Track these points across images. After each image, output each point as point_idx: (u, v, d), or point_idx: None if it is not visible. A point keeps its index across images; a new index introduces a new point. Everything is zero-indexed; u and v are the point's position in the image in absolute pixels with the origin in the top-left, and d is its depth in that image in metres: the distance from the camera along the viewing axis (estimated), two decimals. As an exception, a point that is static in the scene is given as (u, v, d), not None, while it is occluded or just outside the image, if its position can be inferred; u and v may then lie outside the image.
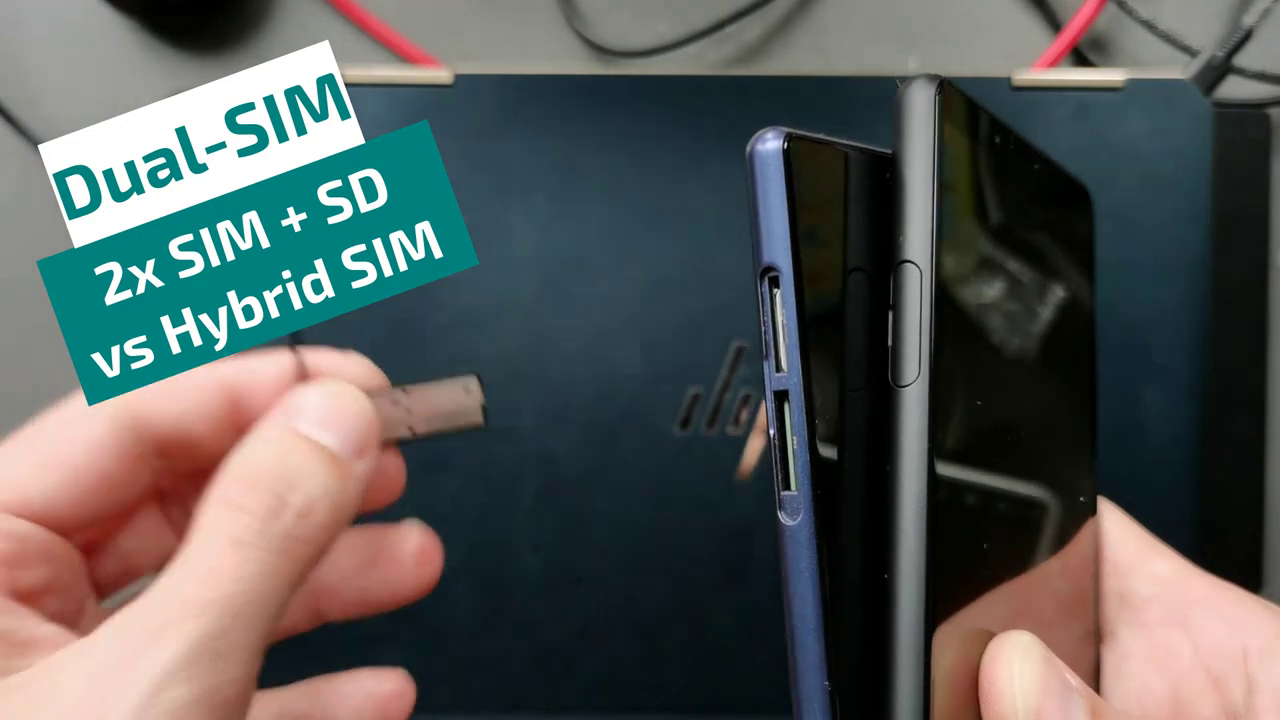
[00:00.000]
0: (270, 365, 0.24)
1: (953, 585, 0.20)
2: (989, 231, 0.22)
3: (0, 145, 0.42)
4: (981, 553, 0.21)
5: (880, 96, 0.39)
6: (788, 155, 0.20)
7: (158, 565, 0.25)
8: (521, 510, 0.37)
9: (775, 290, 0.20)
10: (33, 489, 0.22)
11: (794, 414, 0.20)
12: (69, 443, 0.22)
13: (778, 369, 0.20)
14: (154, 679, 0.18)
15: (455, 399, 0.25)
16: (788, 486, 0.20)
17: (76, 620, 0.23)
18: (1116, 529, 0.25)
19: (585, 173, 0.38)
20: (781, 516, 0.20)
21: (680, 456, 0.37)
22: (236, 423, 0.23)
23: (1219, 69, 0.40)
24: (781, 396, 0.20)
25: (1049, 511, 0.24)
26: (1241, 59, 0.40)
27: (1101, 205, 0.39)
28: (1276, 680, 0.22)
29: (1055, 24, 0.43)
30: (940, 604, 0.20)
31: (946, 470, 0.20)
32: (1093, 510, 0.25)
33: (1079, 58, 0.43)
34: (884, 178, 0.21)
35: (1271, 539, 0.40)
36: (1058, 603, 0.24)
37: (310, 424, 0.22)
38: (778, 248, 0.20)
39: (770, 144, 0.20)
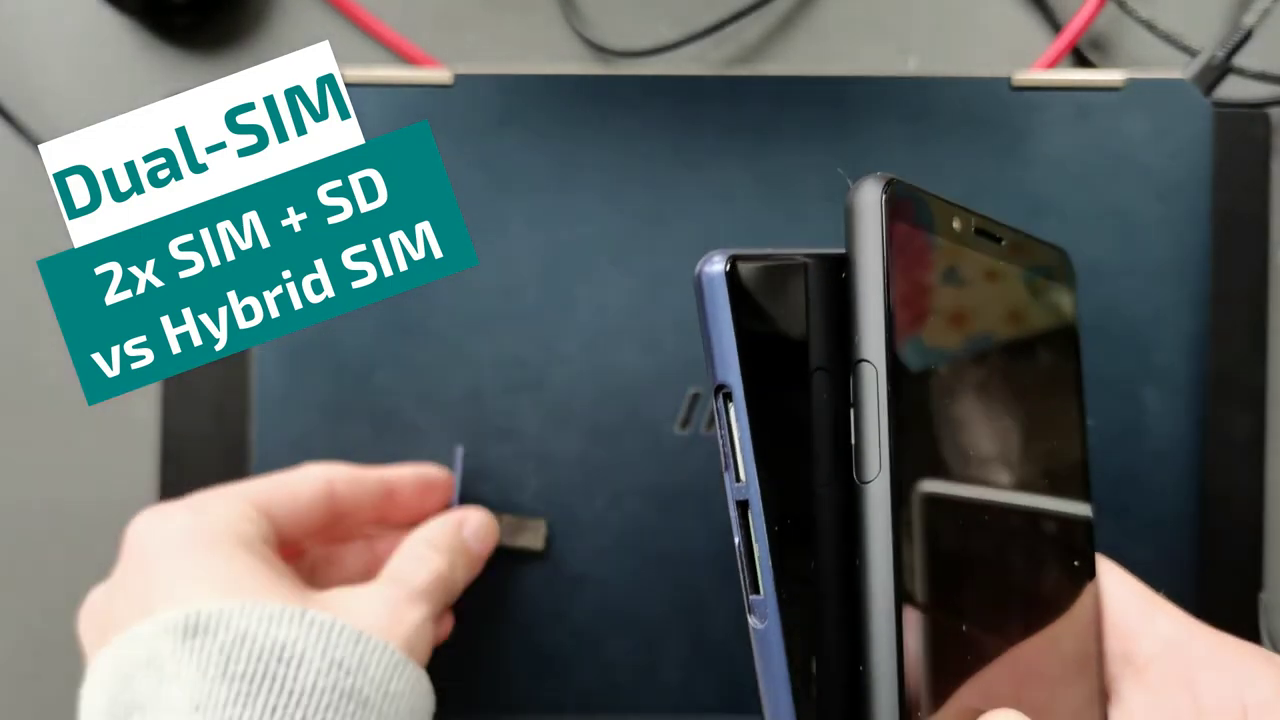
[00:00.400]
0: (413, 474, 0.36)
1: (933, 671, 0.20)
2: (950, 319, 0.23)
3: (0, 145, 0.42)
4: (961, 635, 0.21)
5: (880, 97, 0.39)
6: (731, 277, 0.20)
7: (359, 576, 0.36)
8: (522, 510, 0.37)
9: (729, 405, 0.21)
10: (281, 510, 0.33)
11: (755, 523, 0.20)
12: (298, 490, 0.34)
13: (737, 479, 0.20)
14: (421, 614, 0.31)
15: (530, 532, 0.37)
16: (755, 591, 0.20)
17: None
18: (1118, 589, 0.25)
19: (585, 173, 0.38)
20: (751, 620, 0.20)
21: (680, 456, 0.37)
22: (389, 509, 0.36)
23: (1219, 69, 0.40)
24: (743, 506, 0.20)
25: (1036, 583, 0.24)
26: (1241, 59, 0.40)
27: (1101, 205, 0.39)
28: None
29: (1055, 24, 0.43)
30: (917, 692, 0.20)
31: (918, 561, 0.20)
32: (1091, 573, 0.25)
33: (1079, 58, 0.43)
34: (840, 278, 0.22)
35: (1271, 539, 0.40)
36: (1061, 668, 0.24)
37: (468, 535, 0.35)
38: (728, 367, 0.21)
39: (715, 267, 0.21)
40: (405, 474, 0.36)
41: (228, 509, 0.31)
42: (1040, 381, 0.25)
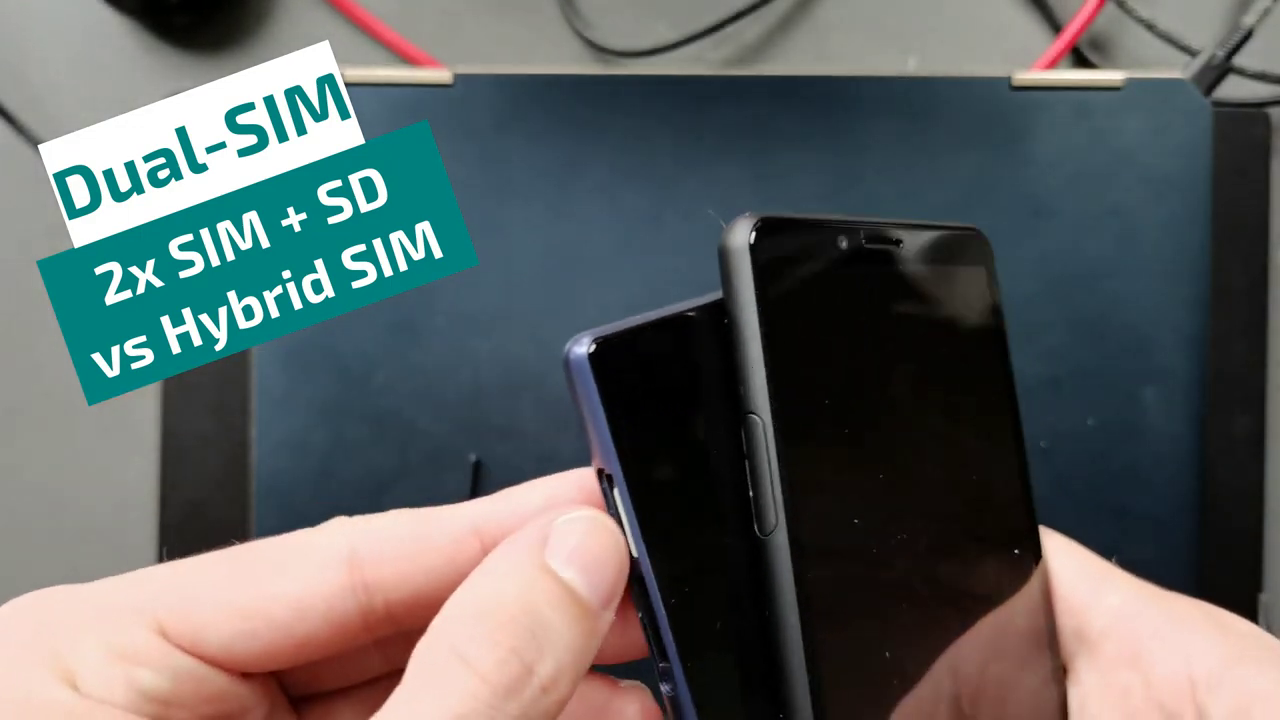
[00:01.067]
0: (531, 503, 0.21)
1: (857, 704, 0.20)
2: (843, 349, 0.22)
3: (0, 145, 0.42)
4: (886, 661, 0.21)
5: (880, 97, 0.39)
6: (597, 359, 0.20)
7: (354, 681, 0.23)
8: (521, 510, 0.37)
9: (613, 488, 0.20)
10: (216, 633, 0.19)
11: (651, 595, 0.20)
12: (281, 602, 0.19)
13: (632, 555, 0.20)
14: None
15: None
16: (663, 659, 0.20)
17: None
18: (1066, 564, 0.25)
19: (585, 173, 0.38)
20: (663, 687, 0.20)
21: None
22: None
23: (1219, 69, 0.40)
24: (640, 581, 0.20)
25: (969, 586, 0.23)
26: (1241, 59, 0.40)
27: (1101, 205, 0.39)
28: (1224, 710, 0.22)
29: (1055, 24, 0.43)
30: None
31: (827, 605, 0.20)
32: (1037, 555, 0.25)
33: (1079, 58, 0.43)
34: (724, 325, 0.21)
35: (1271, 539, 0.40)
36: (1010, 657, 0.23)
37: (562, 561, 0.19)
38: (605, 452, 0.20)
39: (578, 350, 0.20)
40: (508, 510, 0.21)
41: (96, 662, 0.18)
42: (961, 376, 0.24)
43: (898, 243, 0.23)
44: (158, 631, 0.19)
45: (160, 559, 0.40)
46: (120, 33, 0.43)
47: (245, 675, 0.20)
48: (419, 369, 0.37)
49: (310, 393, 0.37)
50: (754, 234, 0.20)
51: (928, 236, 0.24)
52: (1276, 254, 0.41)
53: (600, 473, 0.20)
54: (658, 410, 0.20)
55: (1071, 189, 0.38)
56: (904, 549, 0.22)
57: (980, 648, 0.23)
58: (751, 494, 0.20)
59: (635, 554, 0.20)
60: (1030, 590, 0.24)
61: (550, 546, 0.19)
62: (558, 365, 0.34)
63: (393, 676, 0.21)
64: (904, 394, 0.23)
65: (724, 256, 0.21)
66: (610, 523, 0.20)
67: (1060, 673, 0.25)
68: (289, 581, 0.19)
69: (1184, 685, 0.22)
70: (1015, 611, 0.24)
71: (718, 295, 0.21)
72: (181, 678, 0.19)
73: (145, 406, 0.41)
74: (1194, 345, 0.38)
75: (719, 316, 0.21)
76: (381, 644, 0.22)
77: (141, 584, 0.20)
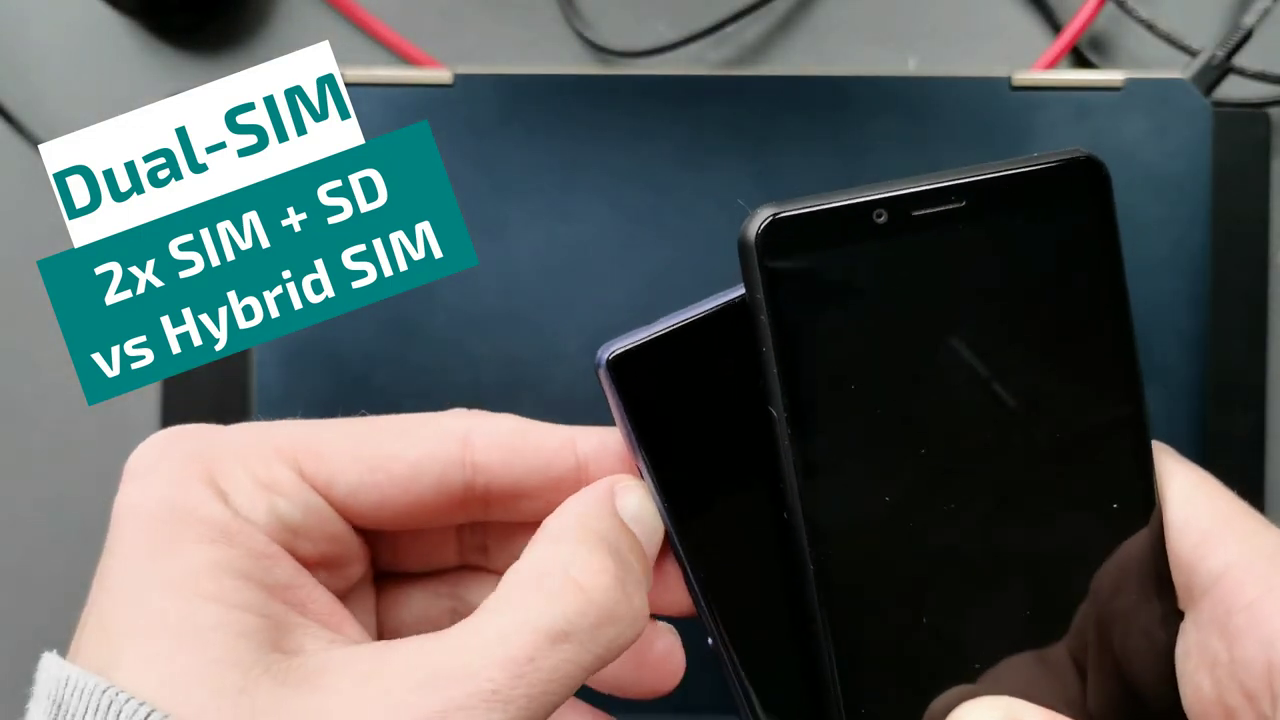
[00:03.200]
0: (617, 444, 0.23)
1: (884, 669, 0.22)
2: (878, 327, 0.21)
3: (0, 145, 0.42)
4: (925, 628, 0.22)
5: (881, 97, 0.39)
6: (616, 367, 0.21)
7: (432, 567, 0.25)
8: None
9: (643, 478, 0.22)
10: (345, 479, 0.22)
11: (685, 569, 0.23)
12: (403, 461, 0.22)
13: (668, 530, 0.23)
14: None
15: None
16: (707, 621, 0.23)
17: (345, 595, 0.23)
18: (1183, 512, 0.23)
19: (585, 173, 0.38)
20: (709, 640, 0.23)
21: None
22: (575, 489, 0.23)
23: (1219, 69, 0.40)
24: (677, 553, 0.23)
25: (1048, 547, 0.23)
26: (1241, 59, 0.40)
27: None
28: None
29: (1055, 24, 0.43)
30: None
31: (849, 577, 0.21)
32: (1147, 506, 0.23)
33: (1079, 58, 0.43)
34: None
35: (1271, 539, 0.40)
36: (1124, 599, 0.23)
37: (633, 515, 0.22)
38: (632, 450, 0.22)
39: (603, 357, 0.21)
40: (600, 438, 0.23)
41: (244, 487, 0.21)
42: (1044, 333, 0.23)
43: (959, 201, 0.21)
44: (296, 470, 0.22)
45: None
46: (120, 33, 0.43)
47: (358, 529, 0.23)
48: (419, 369, 0.37)
49: (310, 393, 0.37)
50: (764, 227, 0.20)
51: (1005, 185, 0.22)
52: (1276, 254, 0.41)
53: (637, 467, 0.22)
54: (681, 408, 0.22)
55: (1071, 189, 0.38)
56: (953, 519, 0.22)
57: (1097, 584, 0.23)
58: (779, 479, 0.22)
59: (668, 532, 0.22)
60: (1139, 538, 0.23)
61: (619, 501, 0.22)
62: (558, 365, 0.35)
63: (462, 572, 0.25)
64: (961, 364, 0.22)
65: (741, 252, 0.21)
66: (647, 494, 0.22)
67: (1175, 618, 0.24)
68: (412, 445, 0.22)
69: (1263, 669, 0.21)
70: (1116, 564, 0.23)
71: (734, 294, 0.22)
72: (311, 513, 0.22)
73: (145, 406, 0.41)
74: (1194, 345, 0.38)
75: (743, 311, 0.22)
76: (462, 536, 0.25)
77: (284, 429, 0.22)
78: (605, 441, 0.23)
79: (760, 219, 0.20)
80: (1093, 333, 0.23)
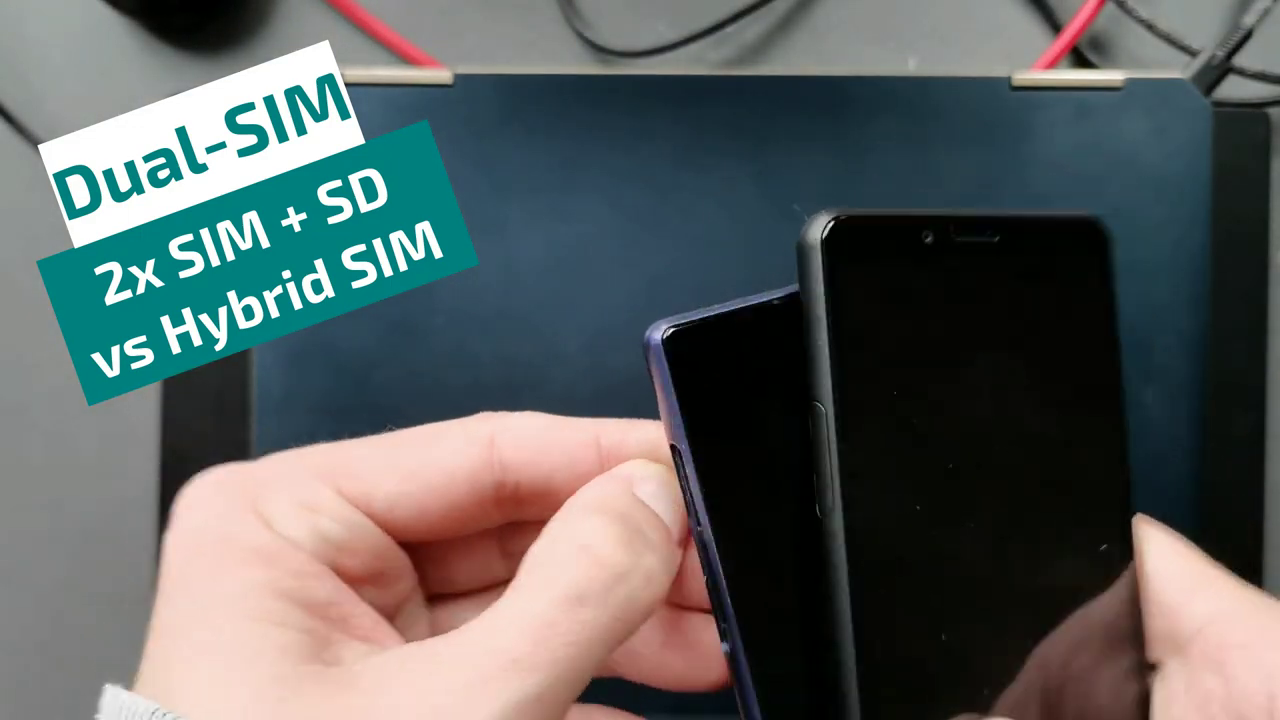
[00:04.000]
0: (643, 435, 0.24)
1: (903, 689, 0.21)
2: (919, 342, 0.22)
3: (0, 145, 0.42)
4: (940, 644, 0.22)
5: (880, 97, 0.39)
6: (669, 345, 0.21)
7: (482, 583, 0.26)
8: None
9: (681, 462, 0.22)
10: (382, 491, 0.23)
11: (712, 559, 0.22)
12: (434, 467, 0.23)
13: (698, 524, 0.22)
14: (544, 681, 0.19)
15: None
16: (723, 619, 0.22)
17: (393, 615, 0.24)
18: (1164, 564, 0.24)
19: (585, 173, 0.38)
20: (723, 645, 0.22)
21: (680, 456, 0.37)
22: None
23: (1219, 69, 0.40)
24: (704, 548, 0.22)
25: (1045, 579, 0.24)
26: (1241, 59, 0.40)
27: (1101, 205, 0.39)
28: None
29: (1055, 24, 0.43)
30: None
31: (876, 582, 0.21)
32: (1125, 555, 0.25)
33: (1079, 58, 0.43)
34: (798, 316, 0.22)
35: (1271, 539, 0.40)
36: (1096, 647, 0.24)
37: (650, 495, 0.22)
38: (676, 431, 0.22)
39: (656, 335, 0.22)
40: (622, 430, 0.24)
41: (286, 511, 0.22)
42: (1056, 373, 0.25)
43: (994, 236, 0.23)
44: (335, 489, 0.22)
45: (160, 558, 0.40)
46: (120, 33, 0.43)
47: (402, 544, 0.24)
48: (419, 369, 0.37)
49: (310, 393, 0.37)
50: (828, 230, 0.21)
51: (1031, 228, 0.24)
52: (1276, 254, 0.41)
53: (672, 447, 0.22)
54: (725, 395, 0.22)
55: (1071, 189, 0.38)
56: (972, 538, 0.23)
57: (1058, 639, 0.23)
58: (815, 477, 0.21)
59: (701, 522, 0.22)
60: (1118, 586, 0.24)
61: (641, 485, 0.22)
62: (558, 365, 0.35)
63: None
64: (985, 389, 0.23)
65: (800, 251, 0.21)
66: (672, 479, 0.22)
67: (1145, 669, 0.24)
68: (442, 452, 0.23)
69: (1263, 700, 0.22)
70: (1098, 606, 0.24)
71: (786, 291, 0.22)
72: (353, 529, 0.22)
73: (145, 406, 0.41)
74: (1194, 345, 0.38)
75: (794, 308, 0.22)
76: (506, 547, 0.25)
77: (318, 452, 0.23)
78: (626, 435, 0.23)
79: (825, 220, 0.21)
80: (1087, 383, 0.25)
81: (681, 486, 0.22)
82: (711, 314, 0.22)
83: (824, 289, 0.21)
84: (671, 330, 0.21)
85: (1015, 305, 0.24)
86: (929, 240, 0.22)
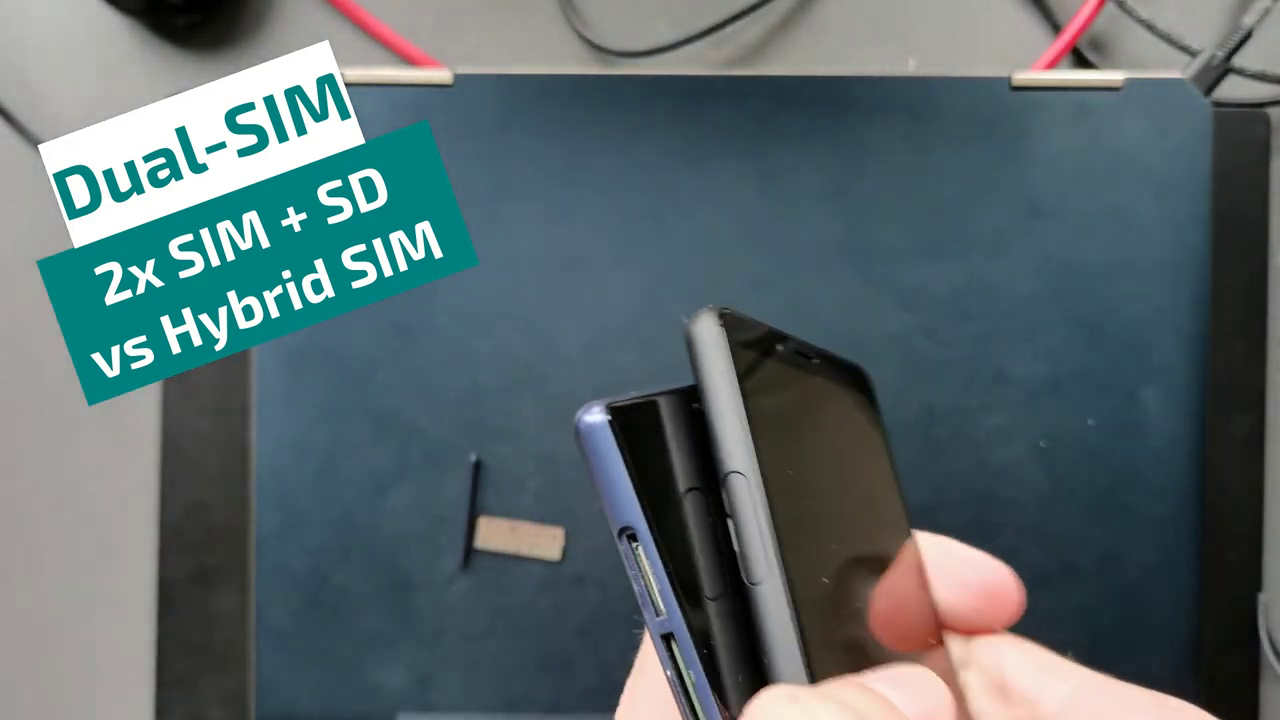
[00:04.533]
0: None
1: None
2: (794, 426, 0.25)
3: (0, 145, 0.42)
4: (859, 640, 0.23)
5: (880, 97, 0.39)
6: (614, 426, 0.21)
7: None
8: (522, 510, 0.37)
9: (635, 545, 0.21)
10: None
11: (683, 651, 0.21)
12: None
13: (658, 614, 0.21)
14: None
15: (549, 541, 0.35)
16: (695, 717, 0.21)
17: None
18: (1017, 657, 0.26)
19: (585, 173, 0.38)
20: None
21: (680, 456, 0.37)
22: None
23: (1219, 69, 0.40)
24: (668, 639, 0.21)
25: (904, 597, 0.26)
26: (1241, 59, 0.40)
27: (1101, 205, 0.39)
28: None
29: (1055, 24, 0.43)
30: None
31: (821, 655, 0.21)
32: (910, 538, 0.27)
33: (1078, 58, 0.43)
34: (691, 407, 0.23)
35: (1271, 539, 0.40)
36: (909, 582, 0.26)
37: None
38: (629, 511, 0.21)
39: (597, 417, 0.22)
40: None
41: None
42: (864, 462, 0.28)
43: (811, 359, 0.26)
44: None
45: (160, 559, 0.40)
46: (120, 33, 0.43)
47: None
48: (419, 369, 0.37)
49: (310, 393, 0.37)
50: (722, 318, 0.23)
51: (832, 361, 0.28)
52: (1276, 254, 0.41)
53: (622, 533, 0.21)
54: (655, 473, 0.22)
55: (1071, 189, 0.38)
56: (859, 577, 0.25)
57: (886, 583, 0.25)
58: (739, 549, 0.22)
59: (664, 611, 0.21)
60: (910, 550, 0.27)
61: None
62: (558, 365, 0.35)
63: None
64: (835, 464, 0.26)
65: (695, 342, 0.23)
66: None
67: (933, 606, 0.27)
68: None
69: None
70: (904, 563, 0.27)
71: (675, 386, 0.23)
72: None
73: (145, 406, 0.41)
74: (1194, 345, 0.38)
75: (685, 402, 0.23)
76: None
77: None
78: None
79: (716, 310, 0.23)
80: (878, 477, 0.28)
81: (630, 575, 0.21)
82: (633, 397, 0.23)
83: (730, 367, 0.23)
84: (613, 409, 0.22)
85: (832, 411, 0.27)
86: (780, 347, 0.25)
